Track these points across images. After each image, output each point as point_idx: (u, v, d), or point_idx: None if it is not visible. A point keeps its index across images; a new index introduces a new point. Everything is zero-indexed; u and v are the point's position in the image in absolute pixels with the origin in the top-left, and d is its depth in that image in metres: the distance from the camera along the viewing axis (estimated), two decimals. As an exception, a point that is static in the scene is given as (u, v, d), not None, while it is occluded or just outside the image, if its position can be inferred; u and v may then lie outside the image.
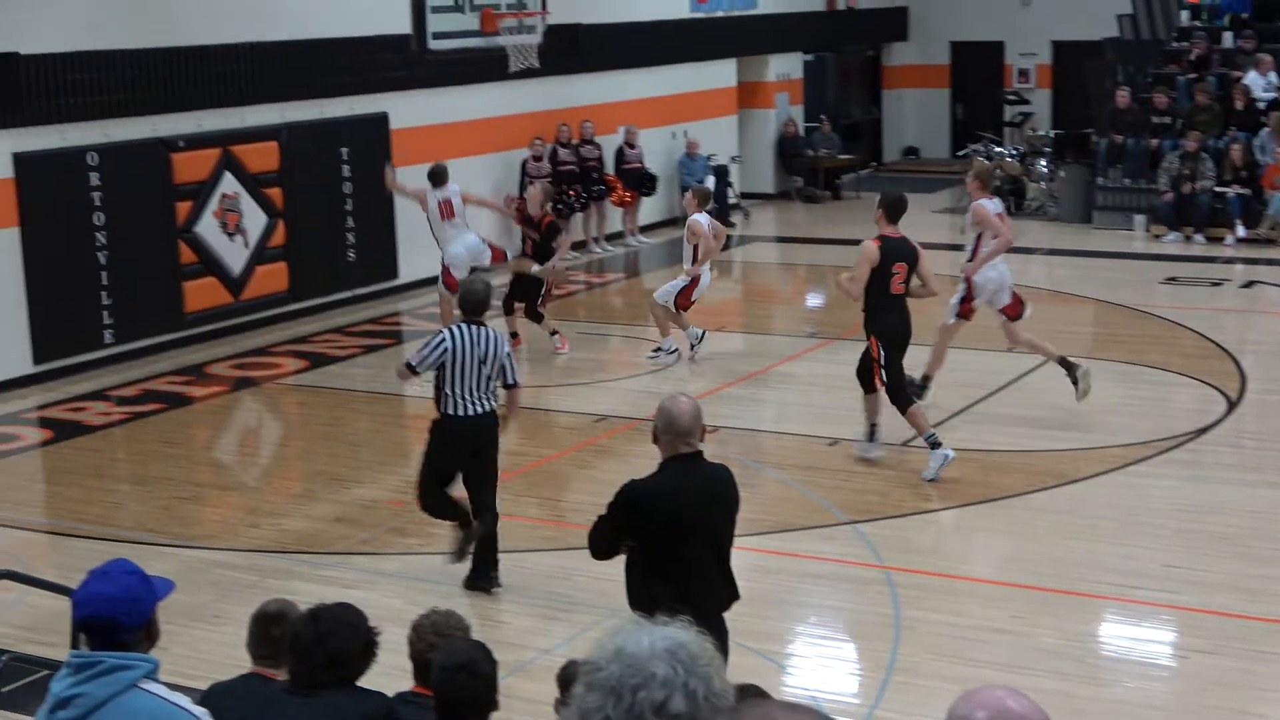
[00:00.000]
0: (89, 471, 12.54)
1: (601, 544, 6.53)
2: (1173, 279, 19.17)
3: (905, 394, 11.82)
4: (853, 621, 9.31)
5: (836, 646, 9.07)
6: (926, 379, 13.40)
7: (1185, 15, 25.92)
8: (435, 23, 14.54)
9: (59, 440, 13.49)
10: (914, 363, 12.45)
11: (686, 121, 24.58)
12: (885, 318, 11.63)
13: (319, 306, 18.09)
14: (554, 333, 15.85)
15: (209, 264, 16.61)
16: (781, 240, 24.12)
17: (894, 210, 11.81)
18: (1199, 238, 21.66)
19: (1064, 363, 13.17)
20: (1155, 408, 13.61)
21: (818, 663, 8.90)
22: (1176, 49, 25.07)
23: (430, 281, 19.34)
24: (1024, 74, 30.42)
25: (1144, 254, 20.99)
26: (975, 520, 10.76)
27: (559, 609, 9.30)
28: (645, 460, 12.79)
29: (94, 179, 15.40)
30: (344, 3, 18.00)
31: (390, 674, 5.57)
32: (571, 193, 21.52)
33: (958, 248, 22.46)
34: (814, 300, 20.02)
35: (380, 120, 18.73)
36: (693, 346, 15.33)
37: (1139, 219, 22.51)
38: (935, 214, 25.29)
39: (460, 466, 9.57)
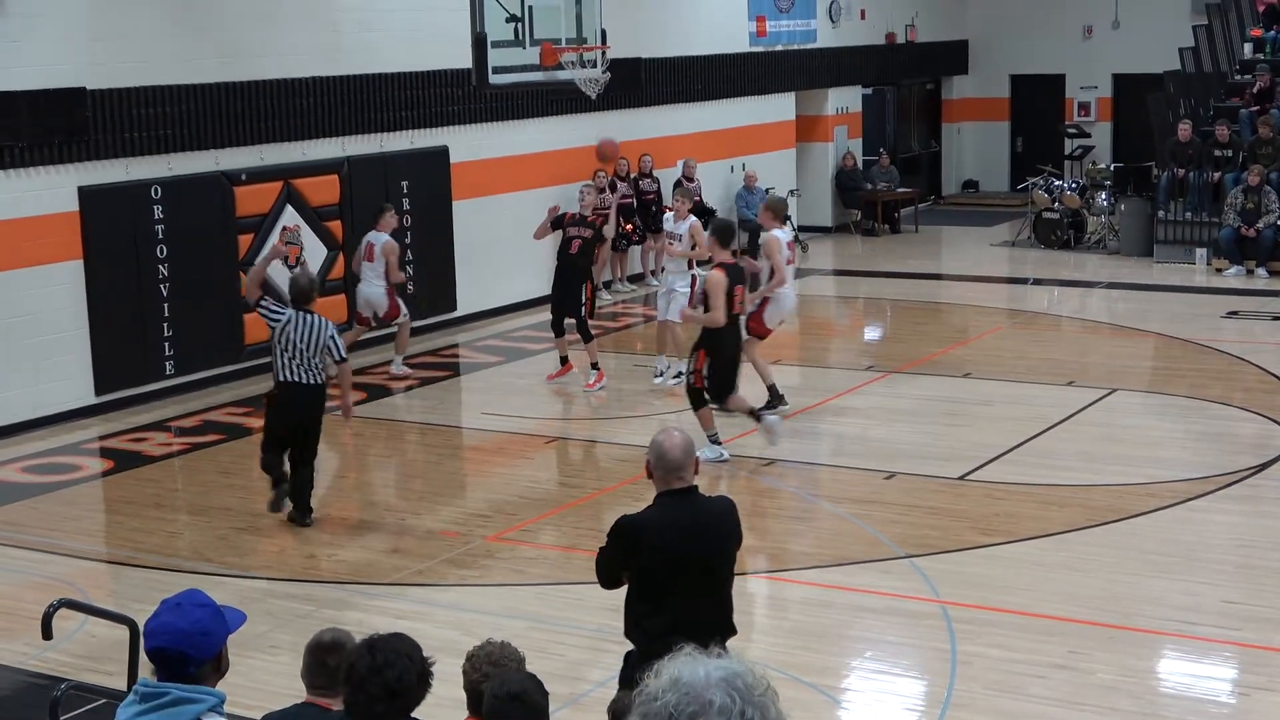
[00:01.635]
0: (148, 501, 12.64)
1: (605, 573, 6.57)
2: (1234, 313, 19.02)
3: (703, 397, 12.95)
4: (909, 656, 9.25)
5: (892, 681, 9.01)
6: (773, 389, 14.40)
7: (1248, 48, 25.76)
8: (495, 57, 14.57)
9: (119, 470, 13.62)
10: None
11: (745, 155, 24.63)
12: (723, 337, 12.72)
13: (378, 338, 18.19)
14: (594, 365, 15.95)
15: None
16: (839, 273, 24.08)
17: (726, 237, 12.98)
18: (1261, 271, 21.49)
19: (772, 390, 14.34)
20: (1216, 442, 13.49)
21: (874, 697, 8.85)
22: (1239, 82, 24.92)
23: (487, 314, 19.49)
24: (1084, 107, 30.30)
25: (1205, 288, 20.86)
26: (1033, 555, 10.68)
27: (612, 641, 9.26)
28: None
29: (157, 212, 15.58)
30: (404, 38, 18.16)
31: (443, 705, 5.57)
32: (629, 227, 21.58)
33: (1019, 280, 22.47)
34: (872, 333, 19.98)
35: (441, 154, 18.87)
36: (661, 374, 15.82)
37: (1200, 252, 22.37)
38: (994, 247, 25.24)
39: (292, 426, 11.57)
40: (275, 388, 11.64)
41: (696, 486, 6.40)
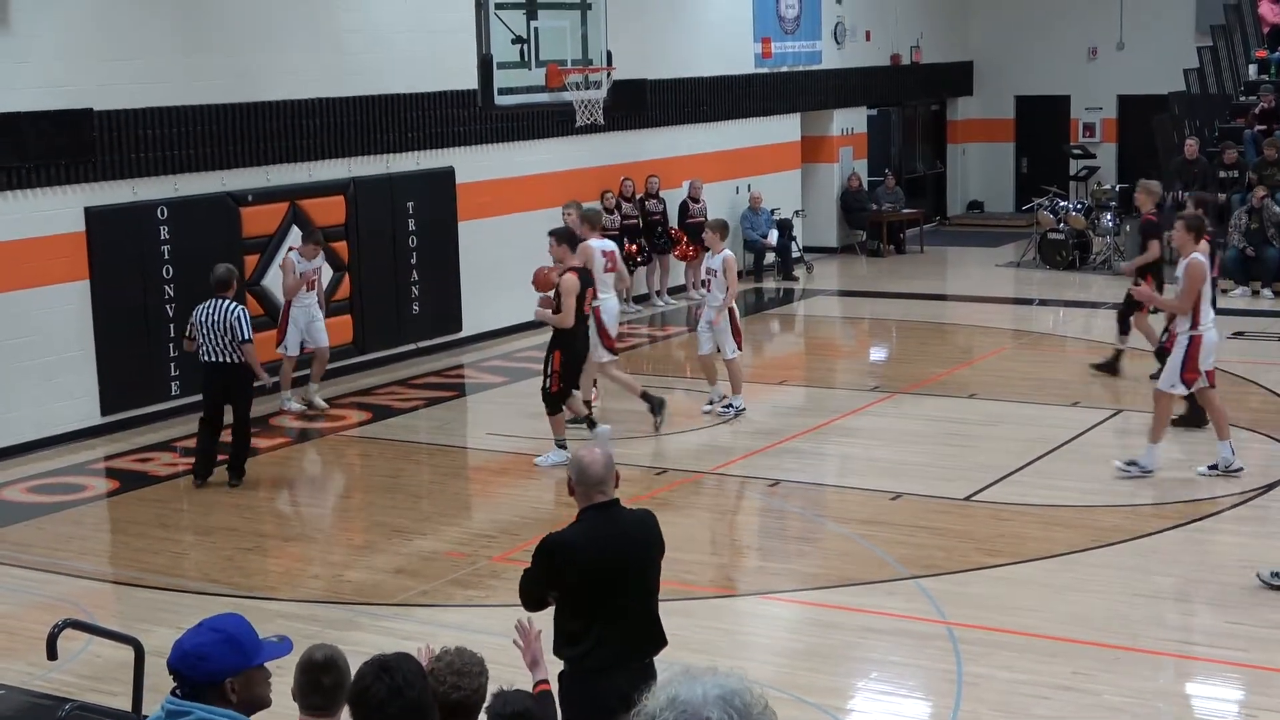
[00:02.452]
0: (154, 521, 12.65)
1: (529, 595, 6.57)
2: (1240, 334, 18.99)
3: (560, 403, 13.70)
4: (915, 677, 9.23)
5: (898, 702, 8.99)
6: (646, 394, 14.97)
7: (1253, 69, 25.80)
8: (501, 79, 14.62)
9: (125, 490, 13.62)
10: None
11: (750, 176, 24.66)
12: (575, 335, 13.55)
13: (383, 359, 18.23)
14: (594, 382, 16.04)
15: (275, 317, 16.74)
16: (844, 294, 24.09)
17: (574, 242, 14.02)
18: (1266, 292, 21.49)
19: (645, 395, 14.89)
20: (1222, 463, 13.46)
21: (879, 719, 8.84)
22: (1244, 103, 24.95)
23: (493, 335, 19.51)
24: (1089, 128, 30.31)
25: (1211, 309, 20.80)
26: (1038, 576, 10.66)
27: (618, 662, 9.27)
28: (708, 513, 12.83)
29: (163, 233, 15.61)
30: (410, 59, 18.20)
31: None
32: (633, 248, 21.60)
33: (1024, 301, 22.46)
34: (877, 354, 19.98)
35: (447, 174, 18.90)
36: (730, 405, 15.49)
37: (1206, 274, 22.32)
38: (999, 268, 25.24)
39: (221, 402, 13.23)
40: (201, 366, 13.29)
41: (618, 500, 6.42)
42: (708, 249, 15.58)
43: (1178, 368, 12.67)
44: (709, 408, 15.49)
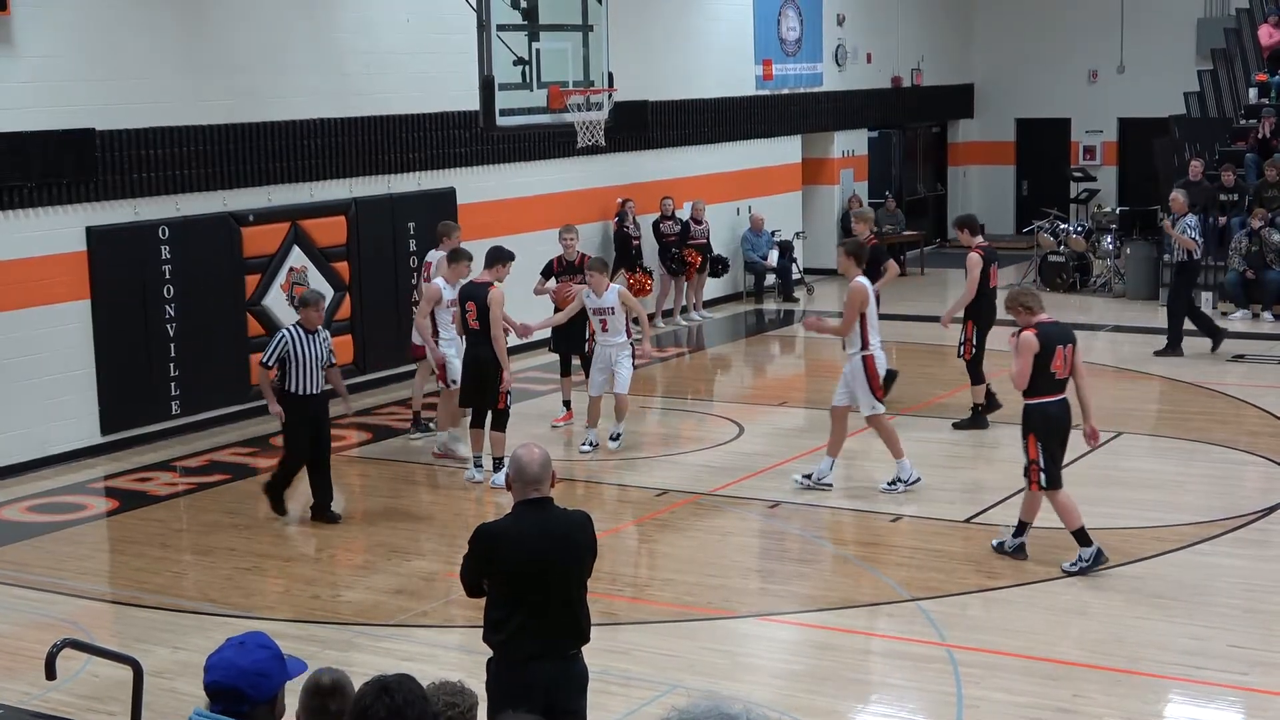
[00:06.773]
0: (153, 541, 12.64)
1: (465, 581, 6.83)
2: (1240, 357, 19.00)
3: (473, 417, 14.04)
4: (914, 699, 9.22)
5: (897, 725, 8.99)
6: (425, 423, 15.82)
7: (1253, 93, 25.84)
8: (502, 100, 14.65)
9: (124, 510, 13.62)
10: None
11: (751, 197, 24.70)
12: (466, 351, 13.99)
13: (384, 379, 18.23)
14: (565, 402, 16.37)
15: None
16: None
17: (455, 256, 14.51)
18: (1267, 315, 21.49)
19: (416, 418, 15.85)
20: (1222, 486, 13.46)
21: (878, 741, 8.83)
22: (1244, 126, 24.98)
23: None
24: (1090, 151, 30.37)
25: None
26: (1038, 598, 10.65)
27: (616, 684, 9.27)
28: (707, 534, 12.81)
29: (164, 252, 15.63)
30: (412, 80, 18.24)
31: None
32: (632, 277, 21.61)
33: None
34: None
35: (448, 195, 18.92)
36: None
37: (1206, 296, 22.36)
38: (999, 290, 25.21)
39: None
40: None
41: (551, 498, 6.66)
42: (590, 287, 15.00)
43: (868, 390, 13.21)
44: (587, 449, 15.10)
